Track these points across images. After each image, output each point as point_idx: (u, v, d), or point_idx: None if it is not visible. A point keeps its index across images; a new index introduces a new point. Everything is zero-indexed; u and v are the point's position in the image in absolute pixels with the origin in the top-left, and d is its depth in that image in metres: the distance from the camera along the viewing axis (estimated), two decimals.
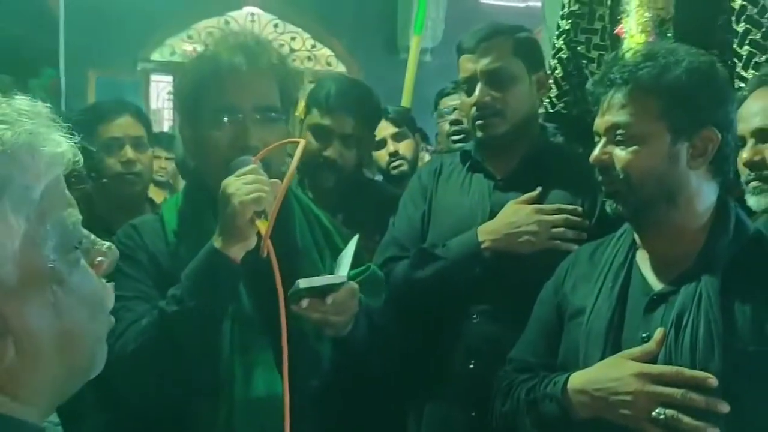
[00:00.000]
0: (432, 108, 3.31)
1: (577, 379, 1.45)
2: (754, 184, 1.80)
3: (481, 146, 2.11)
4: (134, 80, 7.57)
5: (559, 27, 2.47)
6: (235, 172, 1.46)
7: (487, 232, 1.94)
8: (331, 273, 1.57)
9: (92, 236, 0.78)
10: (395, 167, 2.97)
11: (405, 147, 3.01)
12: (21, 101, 0.73)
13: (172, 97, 7.64)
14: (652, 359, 1.38)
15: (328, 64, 7.95)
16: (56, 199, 0.72)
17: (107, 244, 0.80)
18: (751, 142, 1.80)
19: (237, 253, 1.43)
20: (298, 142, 1.53)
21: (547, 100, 2.48)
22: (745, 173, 1.82)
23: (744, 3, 2.12)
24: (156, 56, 7.65)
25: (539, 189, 1.97)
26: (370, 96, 2.36)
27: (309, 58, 7.75)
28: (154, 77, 7.72)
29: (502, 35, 2.06)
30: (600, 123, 1.50)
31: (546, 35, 3.18)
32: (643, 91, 1.44)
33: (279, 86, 1.61)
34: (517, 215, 1.93)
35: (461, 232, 1.97)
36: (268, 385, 1.45)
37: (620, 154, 1.45)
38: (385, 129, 3.02)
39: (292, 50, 7.87)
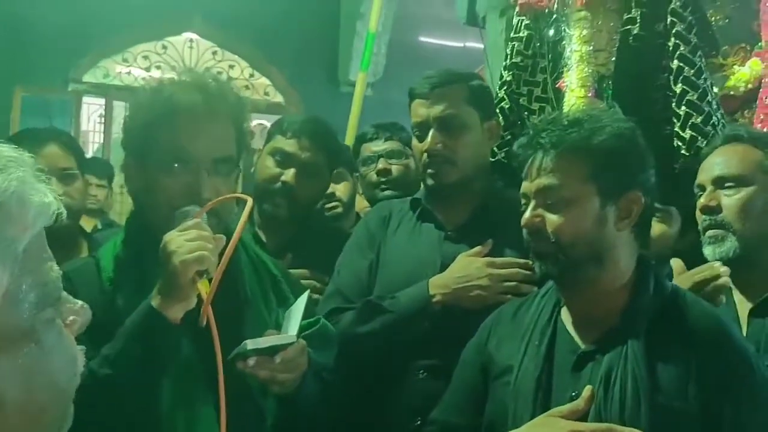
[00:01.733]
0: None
1: None
2: (710, 233, 1.85)
3: (432, 194, 2.08)
4: (62, 100, 7.37)
5: (501, 77, 2.50)
6: (178, 225, 1.39)
7: (437, 286, 1.90)
8: (278, 324, 1.52)
9: (63, 293, 0.74)
10: (329, 209, 2.82)
11: (342, 189, 2.85)
12: (5, 148, 0.69)
13: (103, 120, 7.47)
14: (582, 417, 1.39)
15: (266, 94, 7.89)
16: (39, 253, 0.69)
17: (79, 302, 0.75)
18: (710, 188, 1.87)
19: (176, 313, 1.36)
20: (245, 199, 1.47)
21: None
22: (701, 219, 1.88)
23: (681, 64, 2.18)
24: (89, 78, 7.46)
25: (490, 242, 1.95)
26: (335, 137, 2.36)
27: (247, 87, 7.66)
28: (86, 99, 7.52)
29: (456, 82, 2.05)
30: (529, 186, 1.52)
31: (488, 73, 3.21)
32: (572, 154, 1.47)
33: (235, 132, 1.55)
34: (468, 269, 1.90)
35: (410, 284, 1.93)
36: None
37: (551, 217, 1.48)
38: None
39: (230, 78, 7.78)
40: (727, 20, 2.67)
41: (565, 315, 1.55)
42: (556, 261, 1.48)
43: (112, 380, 1.33)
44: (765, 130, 2.27)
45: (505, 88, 2.46)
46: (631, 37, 2.26)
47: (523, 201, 1.54)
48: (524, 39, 2.42)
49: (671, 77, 2.21)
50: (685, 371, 1.40)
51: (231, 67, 7.80)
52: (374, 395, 1.91)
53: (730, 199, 1.84)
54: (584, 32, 2.28)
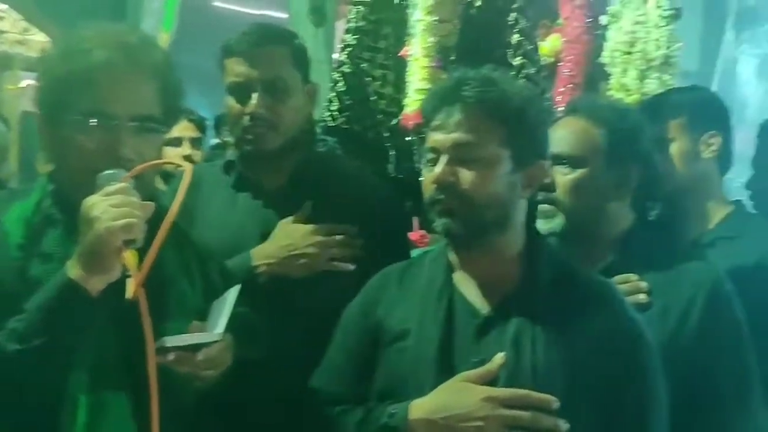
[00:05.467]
0: None
1: (419, 408, 1.40)
2: (541, 208, 1.89)
3: (248, 159, 2.00)
4: None
5: (344, 41, 2.46)
6: (101, 189, 1.27)
7: (263, 256, 1.85)
8: (202, 306, 1.46)
9: None
10: None
11: None
12: None
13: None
14: (491, 383, 1.39)
15: (44, 51, 7.21)
16: None
17: None
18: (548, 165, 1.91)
19: (96, 285, 1.25)
20: (181, 165, 1.37)
21: (329, 114, 2.45)
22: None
23: (521, 38, 2.27)
24: None
25: (309, 204, 1.92)
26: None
27: (20, 43, 6.94)
28: None
29: (279, 42, 1.98)
30: (443, 140, 1.46)
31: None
32: (492, 114, 1.45)
33: (161, 92, 1.43)
34: (293, 237, 1.87)
35: (230, 256, 1.83)
36: None
37: (466, 174, 1.44)
38: None
39: (0, 32, 7.00)
40: None
41: (460, 279, 1.53)
42: (465, 221, 1.45)
43: (21, 356, 1.22)
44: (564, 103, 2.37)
45: (347, 51, 2.43)
46: (473, 9, 2.30)
47: (431, 155, 1.48)
48: (370, 3, 2.40)
49: (509, 51, 2.28)
50: (583, 336, 1.42)
51: (0, 18, 7.02)
52: None
53: (562, 179, 1.88)
54: (429, 2, 2.28)
